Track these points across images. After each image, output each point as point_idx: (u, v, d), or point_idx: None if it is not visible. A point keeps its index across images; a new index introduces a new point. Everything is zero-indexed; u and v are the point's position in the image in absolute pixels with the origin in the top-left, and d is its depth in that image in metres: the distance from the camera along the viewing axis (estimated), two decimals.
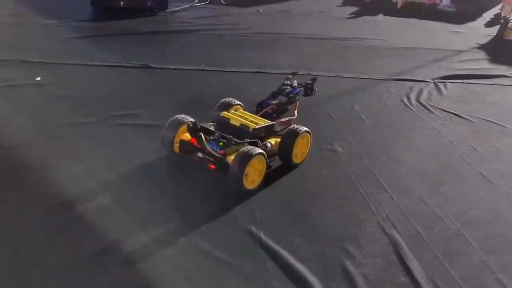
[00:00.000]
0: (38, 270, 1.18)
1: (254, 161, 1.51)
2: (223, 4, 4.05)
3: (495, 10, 4.62)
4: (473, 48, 3.46)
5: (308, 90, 1.98)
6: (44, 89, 2.21)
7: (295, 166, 1.70)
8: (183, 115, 1.68)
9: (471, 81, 2.77)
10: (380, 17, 4.20)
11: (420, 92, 2.52)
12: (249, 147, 1.54)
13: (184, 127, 1.64)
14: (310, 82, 1.99)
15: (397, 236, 1.40)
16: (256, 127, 1.64)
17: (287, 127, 1.73)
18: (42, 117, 1.93)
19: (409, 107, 2.33)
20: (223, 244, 1.30)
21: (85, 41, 2.89)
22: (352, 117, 2.18)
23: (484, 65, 3.07)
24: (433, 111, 2.31)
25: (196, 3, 3.94)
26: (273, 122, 1.73)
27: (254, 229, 1.37)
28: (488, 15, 4.51)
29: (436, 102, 2.42)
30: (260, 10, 4.00)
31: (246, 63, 2.73)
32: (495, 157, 1.93)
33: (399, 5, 4.49)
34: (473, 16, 4.44)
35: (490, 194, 1.67)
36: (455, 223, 1.48)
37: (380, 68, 2.84)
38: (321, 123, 2.10)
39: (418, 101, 2.40)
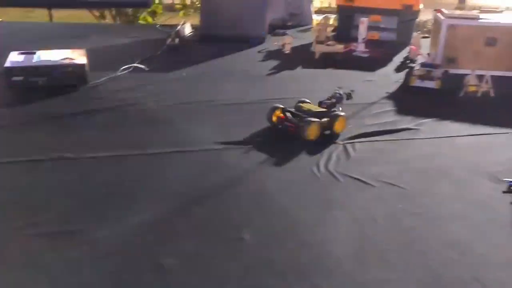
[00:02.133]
0: None
1: (313, 125, 2.83)
2: (146, 70, 4.12)
3: (404, 53, 4.96)
4: (383, 98, 3.70)
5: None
6: None
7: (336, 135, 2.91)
8: (277, 105, 3.02)
9: (377, 138, 2.98)
10: (299, 70, 4.41)
11: (329, 158, 2.67)
12: (312, 119, 2.85)
13: (277, 110, 3.00)
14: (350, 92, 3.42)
15: None
16: (316, 110, 3.01)
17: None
18: None
19: (318, 177, 2.47)
20: None
21: None
22: (262, 196, 2.28)
23: (391, 118, 3.30)
24: (340, 178, 2.46)
25: (119, 71, 3.98)
26: (325, 109, 3.06)
27: None
28: (398, 59, 4.84)
29: (343, 167, 2.58)
30: (185, 74, 4.10)
31: (166, 142, 2.79)
32: (391, 227, 2.08)
33: (316, 55, 4.72)
34: (384, 61, 4.75)
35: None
36: None
37: None
38: (231, 207, 2.19)
39: (327, 169, 2.55)
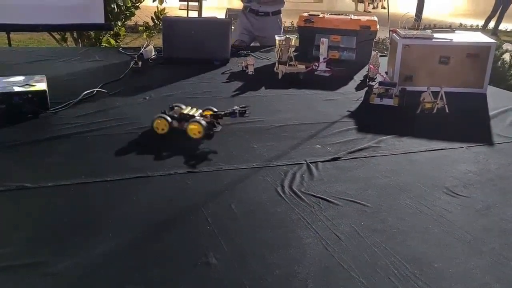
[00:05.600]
0: None
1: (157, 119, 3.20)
2: (108, 94, 4.09)
3: (364, 72, 5.12)
4: (344, 116, 3.81)
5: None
6: None
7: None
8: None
9: (340, 156, 3.05)
10: (263, 90, 4.48)
11: (293, 178, 2.73)
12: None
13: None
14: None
15: None
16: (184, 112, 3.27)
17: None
18: None
19: (283, 197, 2.51)
20: None
21: None
22: (228, 219, 2.30)
23: (353, 136, 3.40)
24: (304, 198, 2.51)
25: (81, 96, 3.93)
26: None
27: None
28: (358, 77, 5.00)
29: (307, 187, 2.64)
30: (147, 98, 4.09)
31: (130, 167, 2.77)
32: (355, 244, 2.14)
33: (279, 76, 4.81)
34: (345, 80, 4.89)
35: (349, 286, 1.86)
36: None
37: (259, 154, 3.04)
38: (197, 231, 2.19)
39: (291, 189, 2.60)
